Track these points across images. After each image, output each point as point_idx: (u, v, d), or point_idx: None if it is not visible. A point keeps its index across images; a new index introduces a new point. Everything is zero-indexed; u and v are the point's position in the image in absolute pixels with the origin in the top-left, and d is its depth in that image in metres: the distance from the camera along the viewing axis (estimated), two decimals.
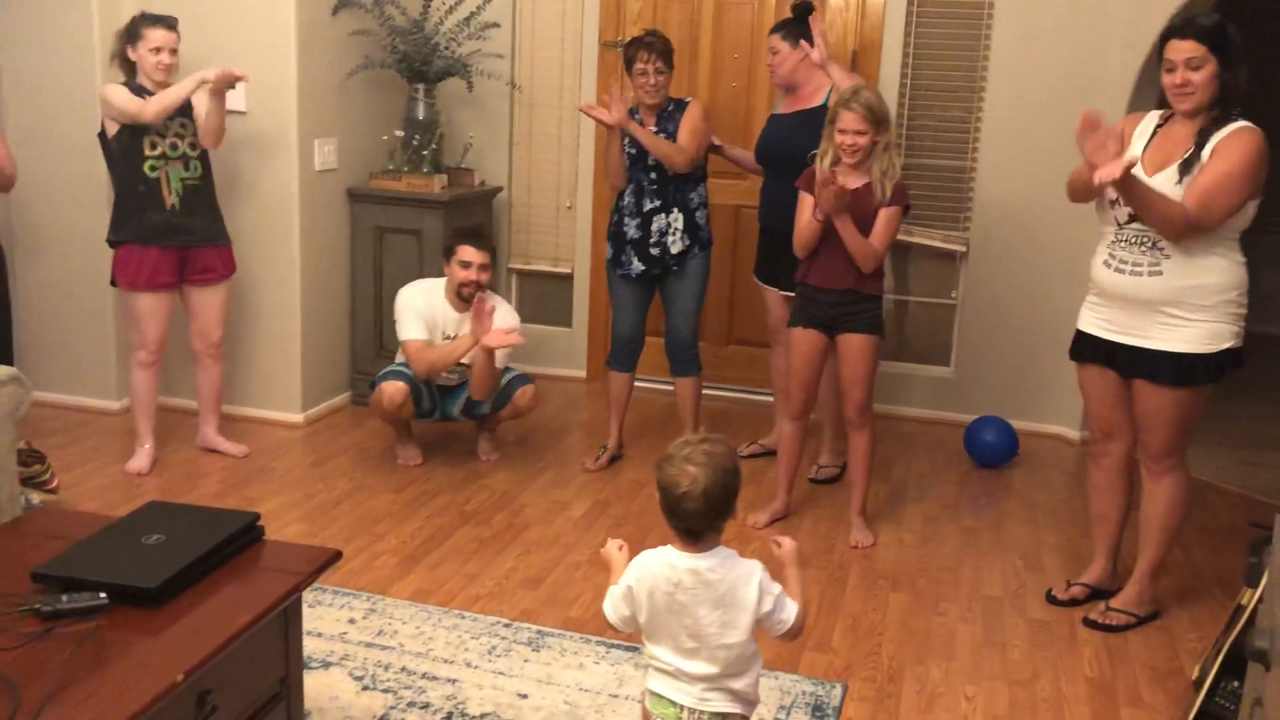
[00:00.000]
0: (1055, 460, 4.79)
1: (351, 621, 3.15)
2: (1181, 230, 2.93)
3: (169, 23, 3.99)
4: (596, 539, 3.77)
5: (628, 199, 4.25)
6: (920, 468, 4.64)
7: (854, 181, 3.59)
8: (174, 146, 4.04)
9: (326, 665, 2.91)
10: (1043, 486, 4.49)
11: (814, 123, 3.84)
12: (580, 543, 3.75)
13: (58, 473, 3.90)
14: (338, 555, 2.35)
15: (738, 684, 2.06)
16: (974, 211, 5.01)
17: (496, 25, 5.09)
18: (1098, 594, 3.47)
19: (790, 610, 2.10)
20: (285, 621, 2.25)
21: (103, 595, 2.01)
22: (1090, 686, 3.01)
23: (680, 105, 4.18)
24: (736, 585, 2.04)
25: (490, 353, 4.07)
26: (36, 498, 3.63)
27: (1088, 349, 3.28)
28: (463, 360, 4.12)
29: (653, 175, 4.16)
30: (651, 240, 4.20)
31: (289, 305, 4.66)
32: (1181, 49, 2.97)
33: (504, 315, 4.17)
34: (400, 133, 4.97)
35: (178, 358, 4.61)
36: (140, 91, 3.97)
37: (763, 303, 4.47)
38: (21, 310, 4.67)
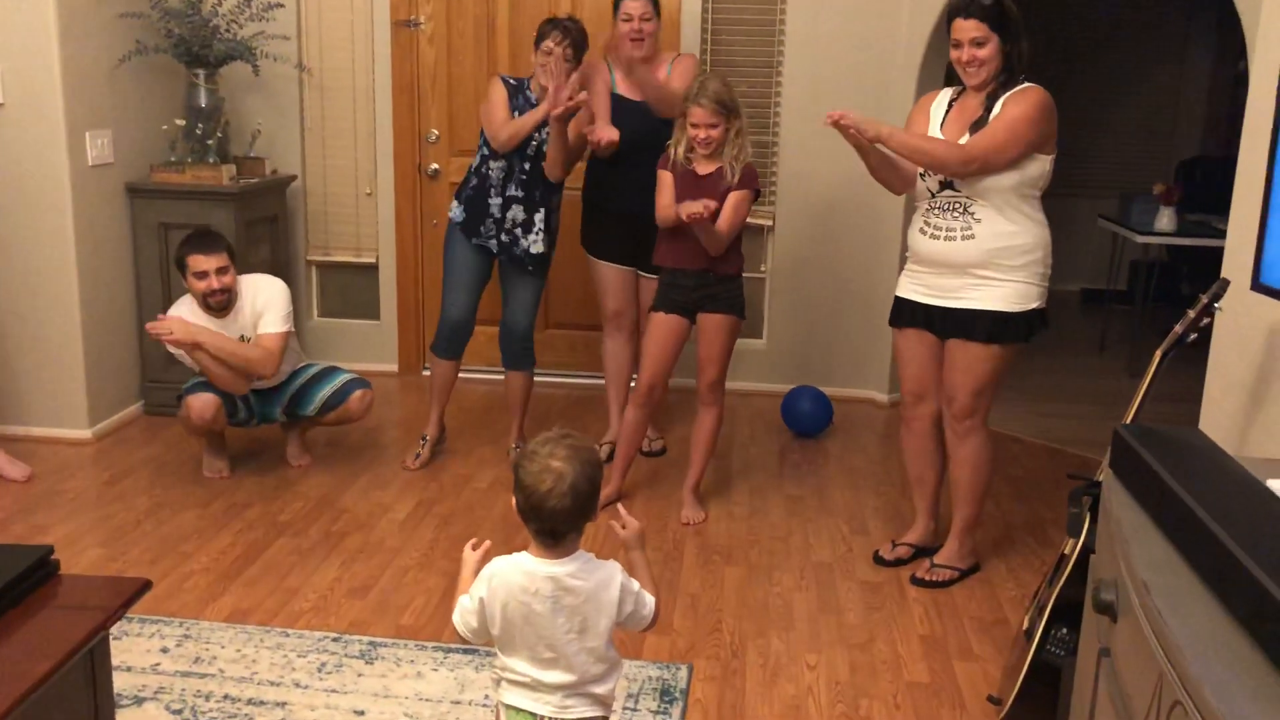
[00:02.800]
0: (868, 424, 4.93)
1: (164, 651, 2.91)
2: (963, 161, 3.08)
3: None
4: (423, 540, 3.63)
5: (496, 174, 4.00)
6: (741, 439, 4.69)
7: (705, 169, 3.63)
8: None
9: (139, 701, 2.69)
10: (860, 450, 4.62)
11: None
12: (407, 546, 3.60)
13: None
14: (147, 585, 2.14)
15: (600, 688, 1.99)
16: (778, 186, 5.08)
17: (280, 5, 4.81)
18: (921, 552, 3.58)
19: (649, 605, 2.05)
20: (92, 664, 2.04)
21: None
22: (924, 644, 3.10)
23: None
24: (597, 590, 1.96)
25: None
26: None
27: (906, 314, 3.38)
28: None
29: (527, 165, 4.00)
30: (505, 225, 4.04)
31: (67, 312, 4.29)
32: (965, 28, 3.12)
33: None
34: (181, 121, 4.64)
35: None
36: None
37: (597, 287, 4.33)
38: None
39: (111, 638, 2.91)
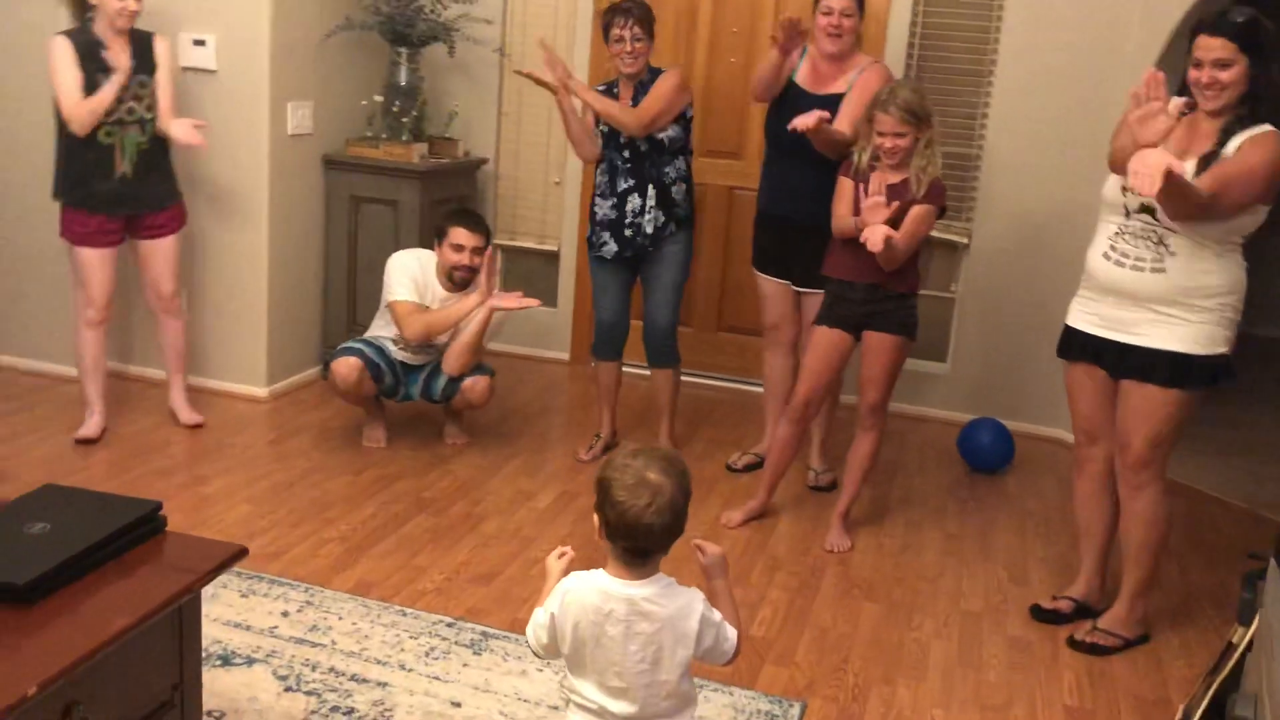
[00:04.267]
0: (1051, 465, 4.57)
1: (285, 615, 2.96)
2: (1195, 213, 2.72)
3: None
4: (558, 533, 3.58)
5: (601, 178, 4.05)
6: (908, 468, 4.43)
7: (889, 179, 3.43)
8: (131, 111, 3.84)
9: (250, 662, 2.73)
10: (1037, 494, 4.28)
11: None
12: (541, 537, 3.56)
13: (4, 441, 3.74)
14: (242, 552, 2.15)
15: None
16: (978, 202, 4.78)
17: None
18: (1085, 611, 3.26)
19: (730, 639, 1.90)
20: (180, 622, 2.07)
21: None
22: (1068, 716, 2.81)
23: (658, 75, 3.95)
24: (675, 618, 1.83)
25: (488, 317, 3.91)
26: None
27: (1075, 346, 3.09)
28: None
29: (626, 153, 3.95)
30: (626, 221, 3.98)
31: (256, 274, 4.47)
32: (1210, 46, 2.76)
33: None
34: (380, 98, 4.76)
35: (142, 325, 4.44)
36: (89, 44, 3.76)
37: (759, 294, 4.19)
38: None
39: (239, 595, 3.01)
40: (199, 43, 4.28)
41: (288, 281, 4.59)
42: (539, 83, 3.95)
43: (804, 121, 3.48)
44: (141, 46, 3.86)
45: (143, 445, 4.02)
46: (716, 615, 1.88)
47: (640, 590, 1.83)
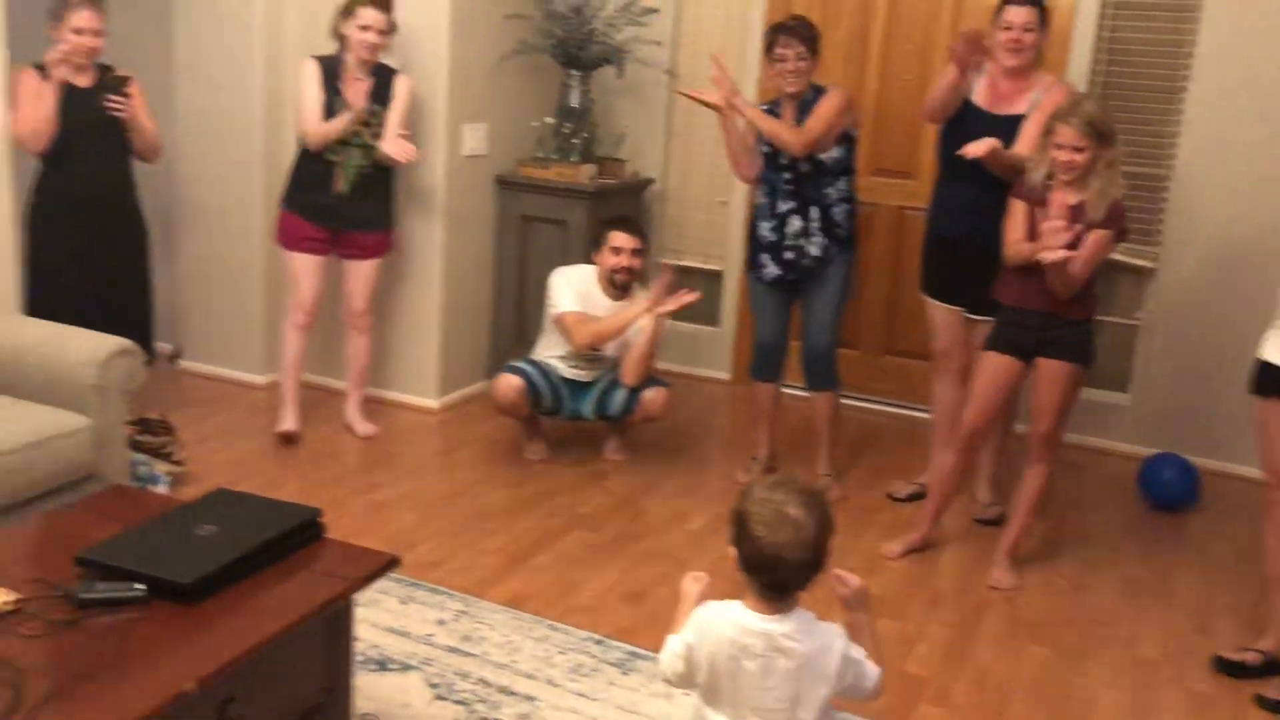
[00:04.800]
0: (1243, 506, 4.25)
1: (441, 623, 3.03)
2: None
3: (382, 4, 4.02)
4: (712, 555, 3.55)
5: (762, 199, 4.02)
6: (1084, 503, 4.21)
7: (1071, 199, 3.27)
8: (357, 135, 4.05)
9: (405, 669, 2.80)
10: (1225, 536, 4.00)
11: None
12: (694, 559, 3.53)
13: (192, 444, 3.97)
14: (394, 561, 2.21)
15: None
16: (1166, 224, 4.52)
17: (656, 11, 4.90)
18: (1275, 666, 3.02)
19: (872, 676, 1.84)
20: (332, 628, 2.14)
21: (140, 587, 1.94)
22: None
23: (822, 94, 3.89)
24: (815, 655, 1.78)
25: (659, 324, 3.96)
26: (162, 469, 3.68)
27: (1271, 382, 2.87)
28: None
29: (787, 175, 3.90)
30: (786, 243, 3.94)
31: (431, 290, 4.62)
32: None
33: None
34: (551, 120, 4.86)
35: (328, 337, 4.64)
36: (335, 70, 4.02)
37: (928, 320, 4.06)
38: (178, 283, 4.80)
39: (397, 601, 3.09)
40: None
41: (460, 298, 4.73)
42: (703, 103, 3.96)
43: (975, 150, 3.38)
44: (383, 79, 4.11)
45: (320, 452, 4.20)
46: (857, 652, 1.82)
47: (779, 626, 1.78)
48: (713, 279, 5.35)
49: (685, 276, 5.39)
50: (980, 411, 3.49)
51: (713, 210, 5.29)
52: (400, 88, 4.17)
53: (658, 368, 4.34)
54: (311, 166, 4.08)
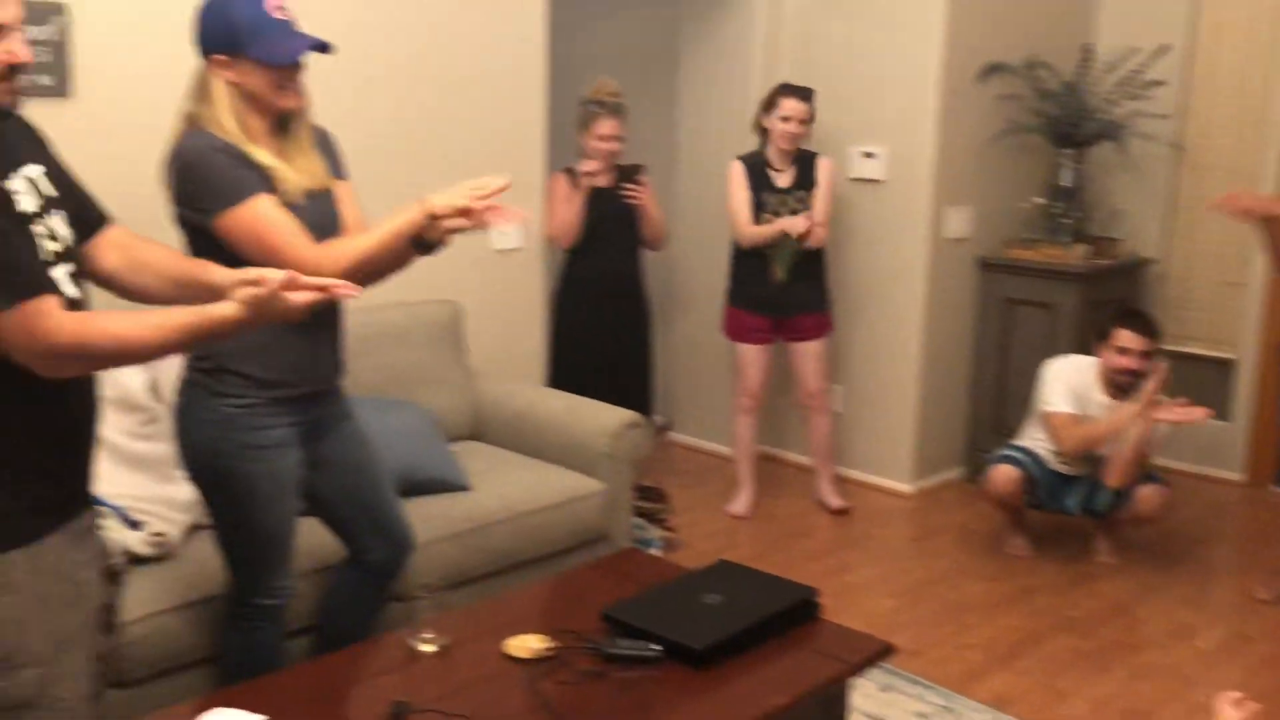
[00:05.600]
0: None
1: (922, 716, 2.96)
2: None
3: (803, 94, 4.15)
4: (1226, 680, 3.17)
5: None
6: None
7: None
8: None
9: None
10: None
11: None
12: (1205, 680, 3.18)
13: (676, 512, 4.22)
14: (889, 649, 2.20)
15: None
16: None
17: (1162, 84, 4.60)
18: None
19: None
20: (828, 709, 2.16)
21: (656, 647, 2.08)
22: None
23: None
24: None
25: (1148, 429, 3.68)
26: (655, 533, 3.94)
27: None
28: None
29: None
30: None
31: (907, 372, 4.60)
32: None
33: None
34: (1041, 199, 4.69)
35: (794, 414, 4.77)
36: (762, 165, 4.18)
37: None
38: (668, 360, 5.15)
39: (878, 689, 3.07)
40: (868, 155, 4.56)
41: (937, 381, 4.67)
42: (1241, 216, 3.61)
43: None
44: (805, 165, 4.23)
45: (791, 528, 4.30)
46: None
47: None
48: (1222, 368, 4.86)
49: (1189, 364, 4.96)
50: None
51: (1222, 292, 4.82)
52: (823, 171, 4.23)
53: (1156, 463, 3.99)
54: (748, 261, 4.22)
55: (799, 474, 4.78)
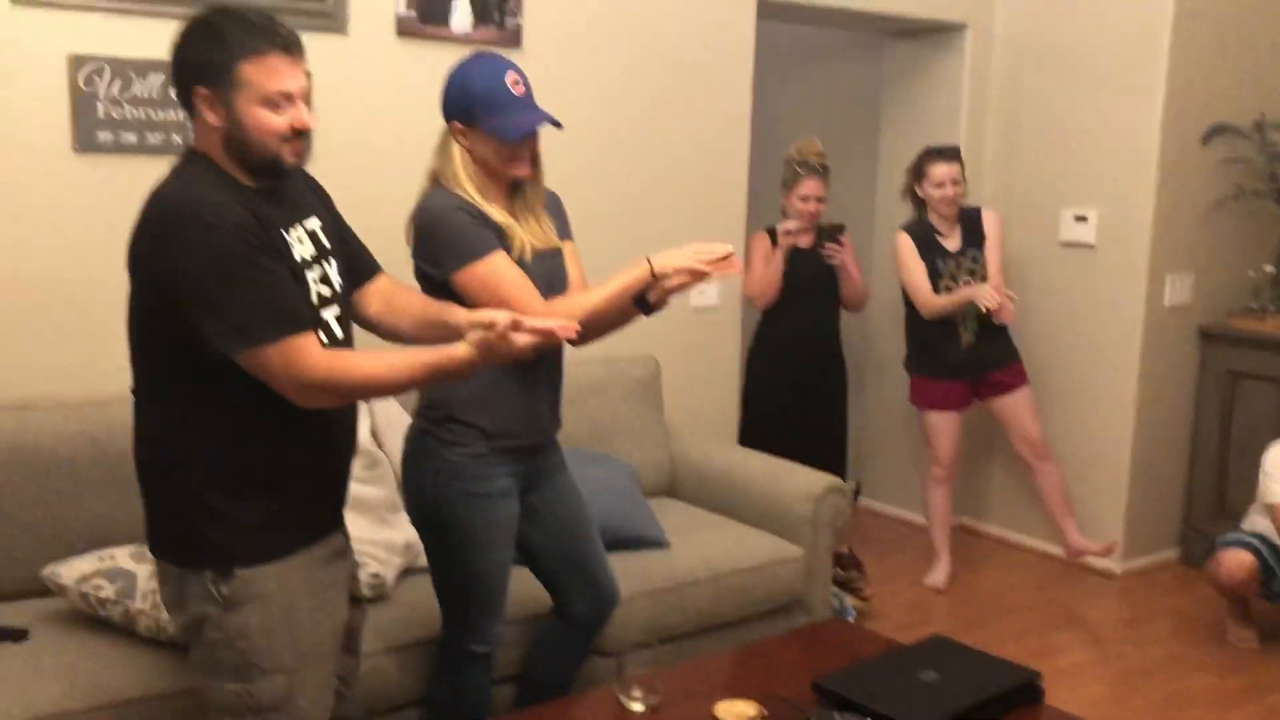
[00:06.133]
0: None
1: None
2: None
3: (951, 155, 4.06)
4: None
5: None
6: None
7: None
8: (966, 284, 4.06)
9: None
10: None
11: None
12: None
13: (871, 581, 4.10)
14: None
15: None
16: None
17: None
18: None
19: None
20: None
21: None
22: None
23: None
24: None
25: None
26: (850, 602, 3.84)
27: None
28: None
29: None
30: None
31: (1120, 446, 4.37)
32: None
33: None
34: (1270, 268, 4.42)
35: (996, 483, 4.59)
36: (929, 232, 4.09)
37: None
38: (861, 423, 5.05)
39: None
40: (1080, 219, 4.40)
41: (1152, 456, 4.42)
42: None
43: None
44: (972, 223, 4.12)
45: (992, 603, 4.12)
46: None
47: None
48: None
49: None
50: None
51: None
52: (991, 225, 4.11)
53: None
54: (931, 328, 4.11)
55: (998, 547, 4.60)
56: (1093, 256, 4.38)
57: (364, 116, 3.21)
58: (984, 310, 3.95)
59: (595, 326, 2.23)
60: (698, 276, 2.15)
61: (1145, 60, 4.18)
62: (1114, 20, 4.27)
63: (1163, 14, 4.12)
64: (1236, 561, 3.61)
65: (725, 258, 2.14)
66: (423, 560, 2.66)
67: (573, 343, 1.93)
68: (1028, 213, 4.56)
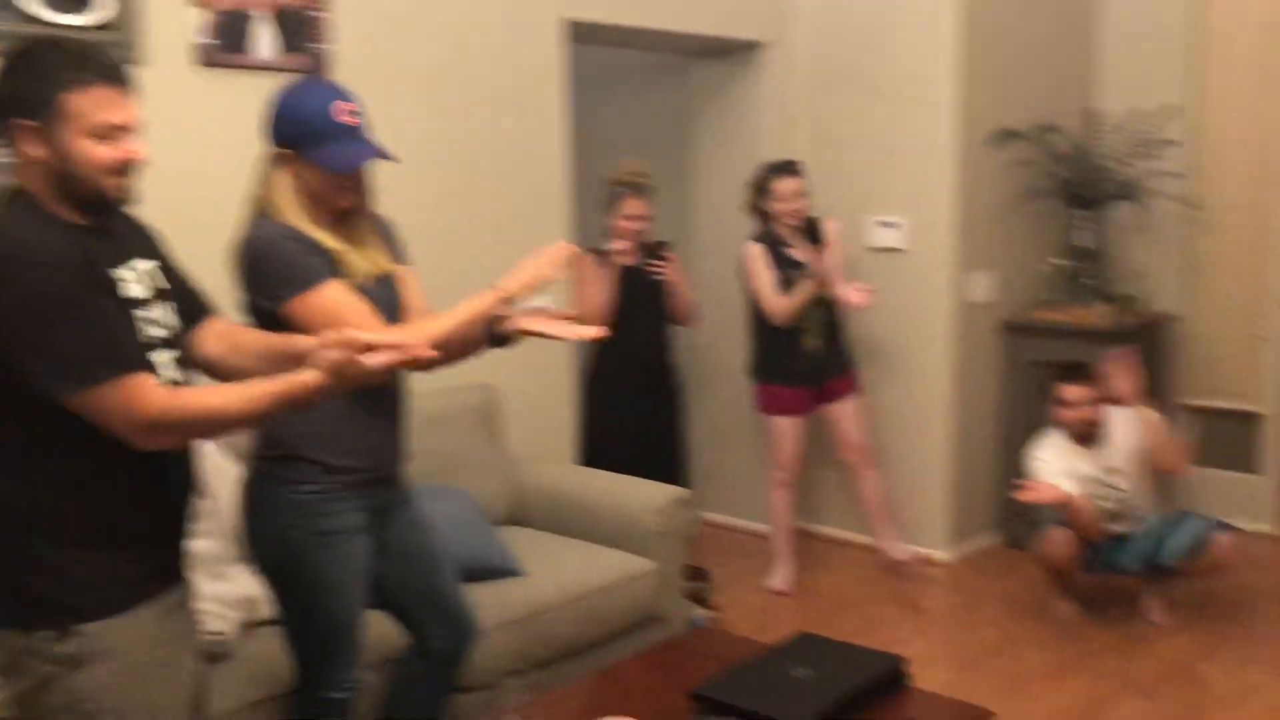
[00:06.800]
0: None
1: None
2: None
3: (793, 169, 4.20)
4: None
5: None
6: None
7: None
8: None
9: None
10: None
11: None
12: None
13: (718, 589, 4.13)
14: (986, 714, 2.13)
15: None
16: None
17: (1175, 143, 4.66)
18: None
19: None
20: None
21: None
22: None
23: None
24: None
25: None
26: (700, 613, 3.86)
27: None
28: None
29: None
30: None
31: (935, 438, 4.57)
32: None
33: None
34: (1060, 260, 4.72)
35: (829, 487, 4.72)
36: (777, 244, 4.19)
37: None
38: (696, 436, 5.09)
39: None
40: (886, 224, 4.59)
41: (968, 445, 4.64)
42: None
43: None
44: (812, 232, 4.26)
45: (835, 602, 4.22)
46: None
47: None
48: (1246, 421, 4.85)
49: (1214, 419, 4.96)
50: None
51: (1245, 346, 4.83)
52: (831, 232, 4.23)
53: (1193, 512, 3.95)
54: (779, 337, 4.21)
55: (835, 548, 4.72)
56: (902, 260, 4.58)
57: (168, 149, 3.02)
58: (816, 281, 4.08)
59: (442, 356, 2.17)
60: (552, 326, 2.20)
61: (934, 73, 4.42)
62: (902, 37, 4.49)
63: (946, 28, 4.37)
64: (1058, 539, 3.82)
65: (565, 257, 2.17)
66: (262, 612, 2.53)
67: (423, 367, 1.87)
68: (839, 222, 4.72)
